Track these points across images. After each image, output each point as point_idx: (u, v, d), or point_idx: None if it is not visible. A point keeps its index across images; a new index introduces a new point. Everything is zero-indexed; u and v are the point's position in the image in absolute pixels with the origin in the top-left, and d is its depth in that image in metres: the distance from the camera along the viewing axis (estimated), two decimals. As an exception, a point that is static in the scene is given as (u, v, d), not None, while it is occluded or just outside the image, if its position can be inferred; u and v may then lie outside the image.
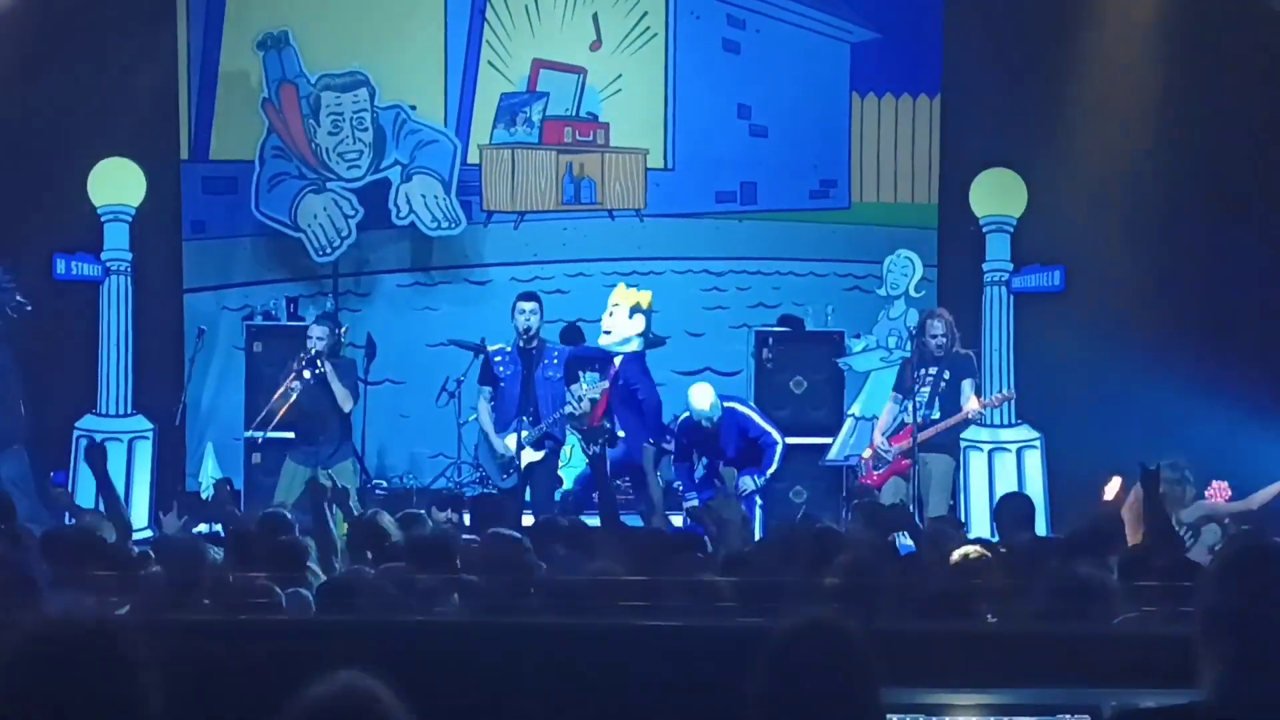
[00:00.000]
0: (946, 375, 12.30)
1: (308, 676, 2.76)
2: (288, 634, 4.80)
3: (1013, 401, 13.53)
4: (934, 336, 12.33)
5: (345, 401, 12.57)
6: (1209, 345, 13.53)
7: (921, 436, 12.08)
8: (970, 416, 12.43)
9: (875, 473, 12.41)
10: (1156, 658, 3.80)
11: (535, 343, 12.55)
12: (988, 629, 4.64)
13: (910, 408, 12.13)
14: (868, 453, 12.61)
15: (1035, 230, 14.08)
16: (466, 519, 10.86)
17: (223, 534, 9.61)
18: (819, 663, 3.41)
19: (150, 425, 13.72)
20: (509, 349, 12.66)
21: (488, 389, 12.75)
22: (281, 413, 12.42)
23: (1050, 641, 4.48)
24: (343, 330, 13.32)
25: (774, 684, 3.41)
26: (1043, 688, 3.92)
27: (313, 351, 12.48)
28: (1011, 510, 9.38)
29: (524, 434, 12.42)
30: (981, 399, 12.59)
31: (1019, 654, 4.24)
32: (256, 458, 13.26)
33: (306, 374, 12.39)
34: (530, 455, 12.47)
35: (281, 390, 12.45)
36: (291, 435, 12.61)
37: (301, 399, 12.42)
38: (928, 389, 12.24)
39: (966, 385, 12.38)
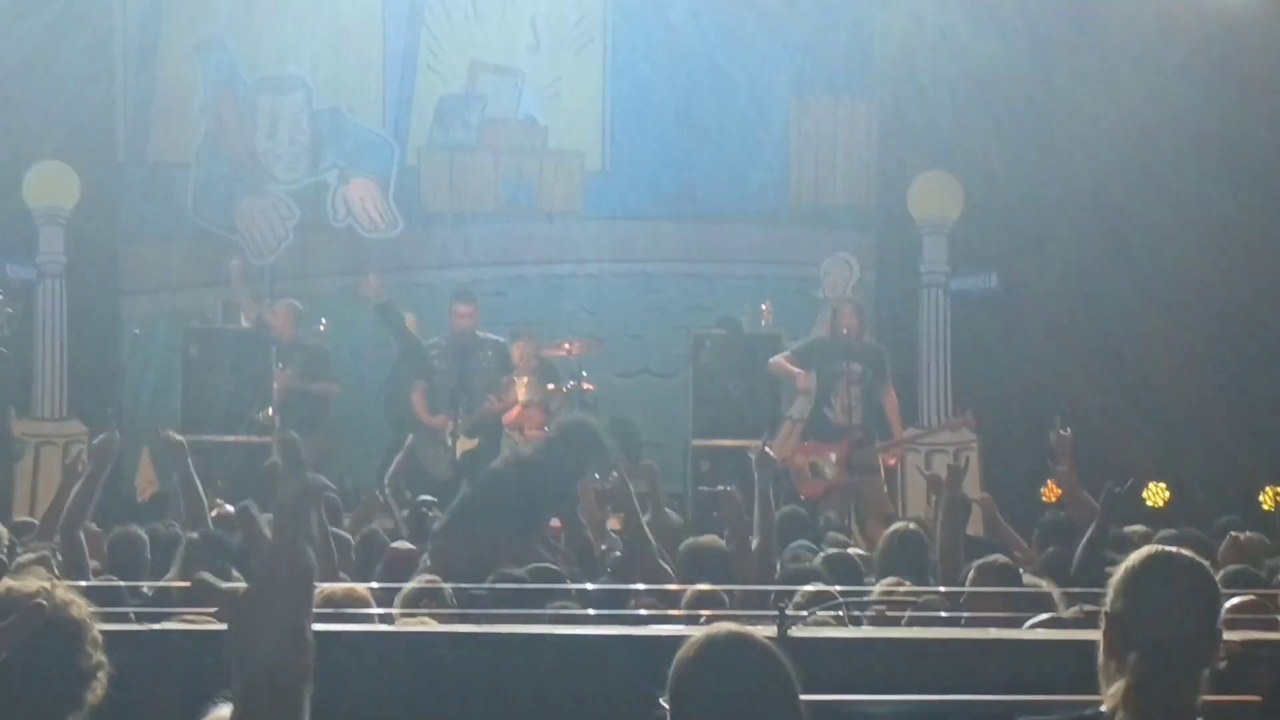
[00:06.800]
0: (858, 368, 12.18)
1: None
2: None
3: (950, 404, 13.58)
4: (841, 316, 12.30)
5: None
6: (1145, 346, 13.60)
7: (885, 457, 12.18)
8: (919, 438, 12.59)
9: (816, 482, 12.21)
10: (1068, 665, 3.82)
11: (469, 338, 12.53)
12: (902, 635, 4.67)
13: (842, 411, 12.09)
14: (800, 458, 12.33)
15: (972, 233, 14.14)
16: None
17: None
18: (736, 674, 3.17)
19: (85, 429, 13.60)
20: (443, 343, 12.64)
21: (421, 382, 12.70)
22: None
23: (964, 648, 4.50)
24: None
25: (690, 695, 3.20)
26: (955, 694, 3.95)
27: None
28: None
29: (459, 422, 12.38)
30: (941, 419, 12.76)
31: (934, 661, 4.27)
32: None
33: None
34: (466, 444, 12.42)
35: None
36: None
37: None
38: (858, 388, 12.15)
39: (891, 408, 12.38)
